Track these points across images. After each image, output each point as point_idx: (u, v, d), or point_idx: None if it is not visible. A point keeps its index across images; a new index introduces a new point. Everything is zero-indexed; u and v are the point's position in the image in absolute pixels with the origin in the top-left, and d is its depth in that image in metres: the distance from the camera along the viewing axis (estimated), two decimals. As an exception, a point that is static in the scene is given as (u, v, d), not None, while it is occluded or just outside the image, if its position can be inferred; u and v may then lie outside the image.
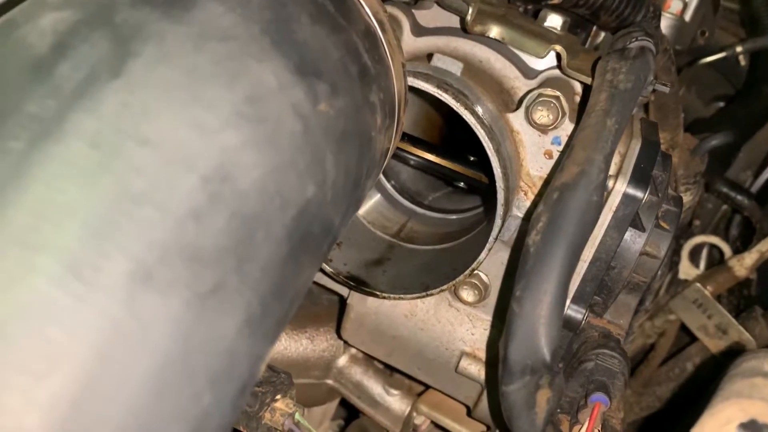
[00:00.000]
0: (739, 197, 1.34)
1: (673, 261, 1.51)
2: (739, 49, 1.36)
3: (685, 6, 1.16)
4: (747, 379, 0.50)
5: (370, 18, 0.56)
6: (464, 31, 0.75)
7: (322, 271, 0.78)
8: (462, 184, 0.85)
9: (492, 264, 0.76)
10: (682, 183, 1.06)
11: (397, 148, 0.82)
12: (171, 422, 0.32)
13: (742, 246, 1.47)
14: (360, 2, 0.56)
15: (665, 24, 1.14)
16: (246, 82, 0.39)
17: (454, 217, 0.91)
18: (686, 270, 1.48)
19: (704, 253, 1.51)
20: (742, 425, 0.46)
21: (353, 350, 1.00)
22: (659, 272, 0.99)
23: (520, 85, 0.79)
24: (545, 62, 0.77)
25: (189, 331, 0.32)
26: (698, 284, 1.36)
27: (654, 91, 0.77)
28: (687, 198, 1.09)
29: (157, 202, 0.33)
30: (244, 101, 0.38)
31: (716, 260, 1.51)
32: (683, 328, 1.47)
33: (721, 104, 1.61)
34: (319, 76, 0.45)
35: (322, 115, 0.44)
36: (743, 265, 1.33)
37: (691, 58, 1.39)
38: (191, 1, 0.40)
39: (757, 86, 1.46)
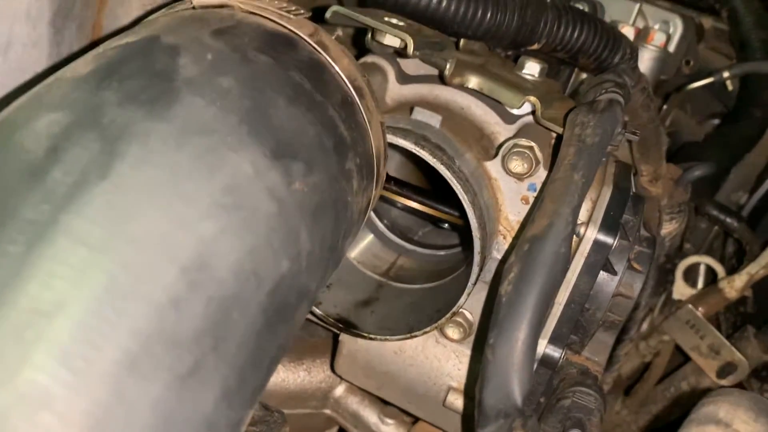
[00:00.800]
0: (728, 220, 1.36)
1: (668, 281, 1.54)
2: (726, 74, 1.39)
3: (669, 38, 1.19)
4: (701, 426, 0.53)
5: (348, 86, 0.60)
6: (443, 82, 0.79)
7: (313, 314, 0.81)
8: (446, 225, 0.89)
9: (476, 302, 0.79)
10: (667, 212, 1.09)
11: (383, 193, 0.86)
12: (154, 493, 0.35)
13: (737, 264, 1.49)
14: (338, 72, 0.60)
15: (649, 56, 1.17)
16: (224, 173, 0.42)
17: (442, 253, 0.95)
18: (681, 290, 1.50)
19: (702, 272, 1.54)
20: (693, 475, 0.49)
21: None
22: (644, 302, 1.02)
23: (501, 130, 0.82)
24: (523, 109, 0.81)
25: (170, 410, 0.36)
26: (690, 306, 1.39)
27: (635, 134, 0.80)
28: (673, 226, 1.12)
29: (140, 295, 0.37)
30: (222, 192, 0.42)
31: (712, 279, 1.53)
32: (678, 348, 1.50)
33: (716, 122, 1.64)
34: (295, 156, 0.49)
35: (297, 193, 0.48)
36: (733, 287, 1.36)
37: (680, 83, 1.43)
38: (173, 97, 0.44)
39: (747, 109, 1.48)
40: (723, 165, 1.41)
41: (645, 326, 1.51)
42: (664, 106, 1.41)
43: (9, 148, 0.41)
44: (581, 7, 1.06)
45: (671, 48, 1.21)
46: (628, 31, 1.09)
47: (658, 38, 1.16)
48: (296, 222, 0.47)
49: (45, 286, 0.35)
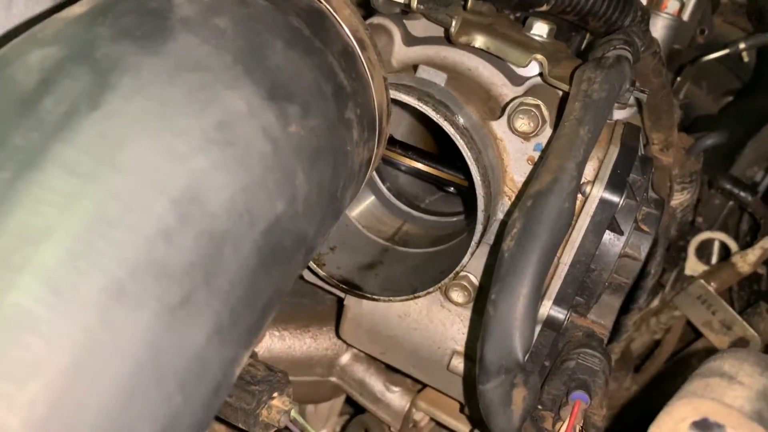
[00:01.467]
0: (742, 194, 1.34)
1: (680, 257, 1.52)
2: (742, 45, 1.36)
3: (683, 6, 1.17)
4: (704, 379, 0.52)
5: (349, 37, 0.59)
6: (449, 42, 0.78)
7: (316, 275, 0.81)
8: (452, 189, 0.88)
9: (480, 266, 0.79)
10: (678, 182, 1.07)
11: (389, 154, 0.85)
12: (142, 421, 0.35)
13: (752, 241, 1.47)
14: (339, 22, 0.59)
15: (662, 24, 1.15)
16: (216, 109, 0.42)
17: (448, 219, 0.94)
18: (693, 266, 1.48)
19: (715, 248, 1.52)
20: (695, 423, 0.48)
21: (355, 349, 1.03)
22: (653, 271, 1.01)
23: (508, 92, 0.81)
24: (531, 70, 0.79)
25: (158, 340, 0.36)
26: (702, 281, 1.37)
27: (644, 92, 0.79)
28: (684, 196, 1.10)
29: (129, 224, 0.36)
30: (214, 127, 0.41)
31: (725, 256, 1.51)
32: (689, 324, 1.48)
33: (731, 98, 1.61)
34: (291, 98, 0.48)
35: (293, 135, 0.47)
36: (746, 261, 1.34)
37: (695, 55, 1.40)
38: (167, 33, 0.43)
39: (764, 81, 1.46)
40: (738, 138, 1.39)
41: (656, 302, 1.50)
42: (678, 78, 1.38)
43: (2, 79, 0.40)
44: (593, -28, 1.04)
45: (685, 16, 1.19)
46: (641, -2, 1.06)
47: (672, 5, 1.14)
48: (292, 164, 0.46)
49: (33, 212, 0.35)
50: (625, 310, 1.04)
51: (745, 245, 1.47)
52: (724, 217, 1.51)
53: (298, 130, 0.48)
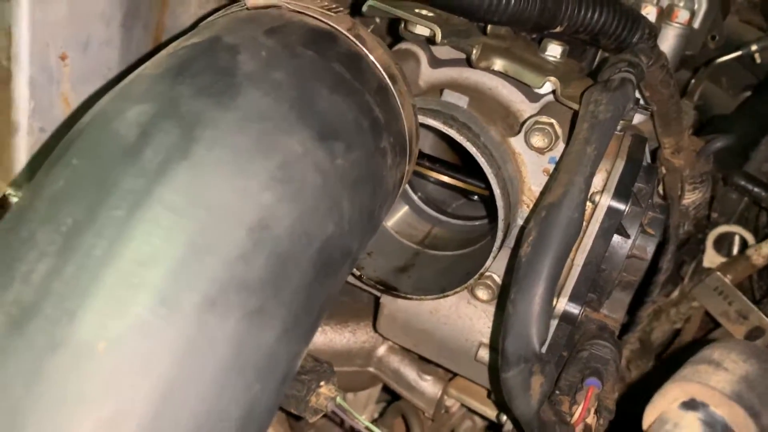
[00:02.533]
0: (756, 189, 1.40)
1: (699, 250, 1.59)
2: (754, 47, 1.42)
3: (693, 14, 1.23)
4: (695, 365, 0.61)
5: (382, 74, 0.69)
6: (470, 66, 0.86)
7: (357, 277, 0.91)
8: (476, 197, 0.97)
9: (502, 266, 0.87)
10: (689, 182, 1.14)
11: (418, 168, 0.94)
12: (231, 405, 0.45)
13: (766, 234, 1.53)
14: (373, 62, 0.68)
15: (674, 33, 1.22)
16: (278, 152, 0.52)
17: (474, 223, 1.03)
18: (711, 259, 1.55)
19: (736, 241, 1.58)
20: (684, 403, 0.57)
21: (390, 342, 1.13)
22: (665, 267, 1.09)
23: (525, 108, 0.90)
24: (546, 88, 0.88)
25: (241, 341, 0.46)
26: (719, 273, 1.44)
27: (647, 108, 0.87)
28: (696, 195, 1.18)
29: (216, 250, 0.46)
30: (277, 168, 0.51)
31: (743, 248, 1.57)
32: (708, 314, 1.55)
33: (749, 94, 1.66)
34: (336, 136, 0.57)
35: (339, 167, 0.56)
36: (761, 254, 1.41)
37: (708, 58, 1.46)
38: (236, 89, 0.53)
39: (776, 81, 1.51)
40: (751, 136, 1.45)
41: (676, 293, 1.57)
42: (692, 81, 1.45)
43: (107, 133, 0.50)
44: (605, -11, 1.11)
45: (696, 24, 1.25)
46: (651, 11, 1.13)
47: (682, 15, 1.20)
48: (339, 192, 0.56)
49: (144, 242, 0.45)
50: (640, 303, 1.11)
51: (764, 237, 1.53)
52: (741, 212, 1.57)
53: (343, 163, 0.57)
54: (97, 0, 0.80)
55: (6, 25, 0.77)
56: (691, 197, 1.18)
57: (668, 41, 1.21)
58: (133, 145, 0.49)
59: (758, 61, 1.46)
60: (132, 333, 0.43)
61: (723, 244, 1.58)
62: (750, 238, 1.51)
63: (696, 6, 1.27)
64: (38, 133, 0.82)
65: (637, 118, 1.08)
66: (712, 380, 0.57)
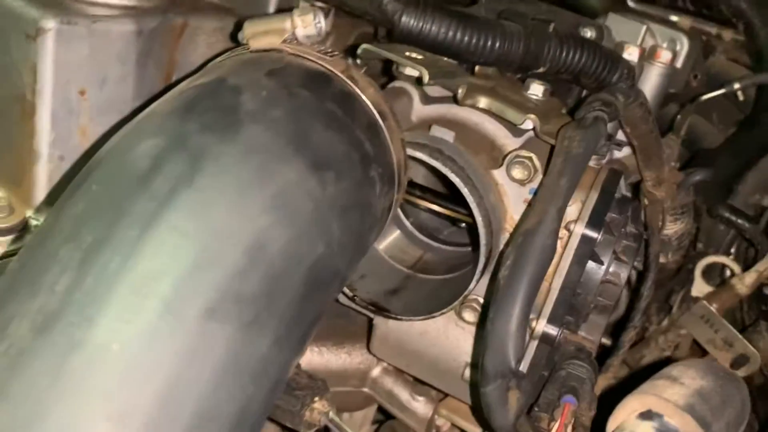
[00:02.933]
0: (739, 221, 1.46)
1: (689, 279, 1.64)
2: (736, 85, 1.49)
3: (675, 54, 1.31)
4: (654, 381, 0.66)
5: (373, 111, 0.75)
6: (457, 104, 0.93)
7: (350, 298, 0.97)
8: (463, 225, 1.03)
9: (487, 290, 0.93)
10: (671, 213, 1.20)
11: (408, 197, 1.01)
12: (227, 403, 0.51)
13: (753, 264, 1.58)
14: (364, 100, 0.75)
15: (657, 72, 1.29)
16: (275, 180, 0.58)
17: (463, 250, 1.09)
18: (699, 288, 1.60)
19: (726, 271, 1.63)
20: (641, 414, 0.62)
21: (384, 363, 1.18)
22: (646, 293, 1.14)
23: (509, 142, 0.96)
24: (528, 124, 0.94)
25: (237, 347, 0.52)
26: (704, 302, 1.48)
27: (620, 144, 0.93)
28: (677, 226, 1.24)
29: (216, 267, 0.52)
30: (273, 195, 0.57)
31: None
32: (696, 342, 1.59)
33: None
34: (328, 167, 0.64)
35: (329, 195, 0.63)
36: (744, 283, 1.45)
37: (694, 95, 1.53)
38: (239, 125, 0.60)
39: (760, 117, 1.58)
40: (736, 169, 1.51)
41: (665, 322, 1.62)
42: (678, 116, 1.51)
43: (123, 164, 0.57)
44: (588, 32, 1.19)
45: (678, 64, 1.32)
46: (634, 51, 1.20)
47: (665, 56, 1.28)
48: (328, 217, 0.62)
49: (153, 259, 0.51)
50: (622, 328, 1.17)
51: (747, 267, 1.58)
52: (728, 242, 1.63)
53: (333, 191, 0.63)
54: (115, 41, 0.88)
55: (32, 63, 0.84)
56: (674, 228, 1.24)
57: (651, 80, 1.28)
58: (146, 174, 0.55)
59: (741, 98, 1.53)
60: (142, 336, 0.49)
61: (712, 274, 1.64)
62: (736, 268, 1.56)
63: (678, 47, 1.35)
64: (58, 161, 0.89)
65: (622, 153, 1.14)
66: (667, 393, 0.63)
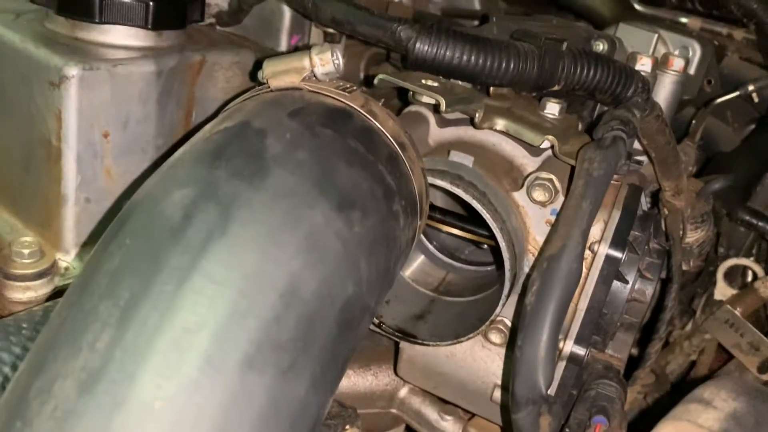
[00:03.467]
0: (760, 224, 1.45)
1: (711, 282, 1.63)
2: (750, 87, 1.49)
3: (688, 62, 1.30)
4: (686, 404, 0.66)
5: (393, 144, 0.76)
6: (474, 127, 0.94)
7: (376, 325, 0.97)
8: (485, 246, 1.04)
9: (513, 311, 0.93)
10: (691, 222, 1.20)
11: (429, 222, 1.02)
12: (269, 450, 0.52)
13: (781, 266, 1.57)
14: (384, 133, 0.76)
15: (670, 80, 1.29)
16: (304, 224, 0.59)
17: (486, 269, 1.09)
18: (722, 291, 1.59)
19: (749, 274, 1.62)
20: (675, 441, 0.63)
21: (411, 384, 1.18)
22: (670, 304, 1.14)
23: (528, 162, 0.97)
24: (546, 144, 0.95)
25: (276, 394, 0.53)
26: (728, 306, 1.48)
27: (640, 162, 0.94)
28: (699, 234, 1.23)
29: (253, 314, 0.53)
30: (303, 238, 0.58)
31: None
32: (722, 346, 1.58)
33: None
34: (353, 206, 0.65)
35: (356, 234, 0.64)
36: (767, 286, 1.45)
37: (708, 98, 1.53)
38: (266, 171, 0.61)
39: (776, 117, 1.57)
40: (753, 171, 1.50)
41: (689, 326, 1.61)
42: (693, 121, 1.51)
43: (155, 215, 0.58)
44: (600, 45, 1.19)
45: (691, 70, 1.32)
46: (646, 61, 1.20)
47: (677, 63, 1.27)
48: (357, 256, 0.63)
49: (191, 312, 0.52)
50: (648, 340, 1.16)
51: (771, 270, 1.57)
52: (749, 245, 1.62)
53: (360, 230, 0.64)
54: (136, 83, 0.90)
55: (56, 109, 0.86)
56: (694, 236, 1.23)
57: (665, 88, 1.28)
58: (178, 226, 0.56)
59: (756, 100, 1.52)
60: (183, 391, 0.50)
61: (734, 276, 1.63)
62: (759, 270, 1.55)
63: (691, 54, 1.35)
64: (84, 203, 0.91)
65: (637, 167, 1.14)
66: (701, 418, 0.63)
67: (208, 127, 0.70)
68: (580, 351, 0.87)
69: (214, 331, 0.52)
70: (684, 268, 1.33)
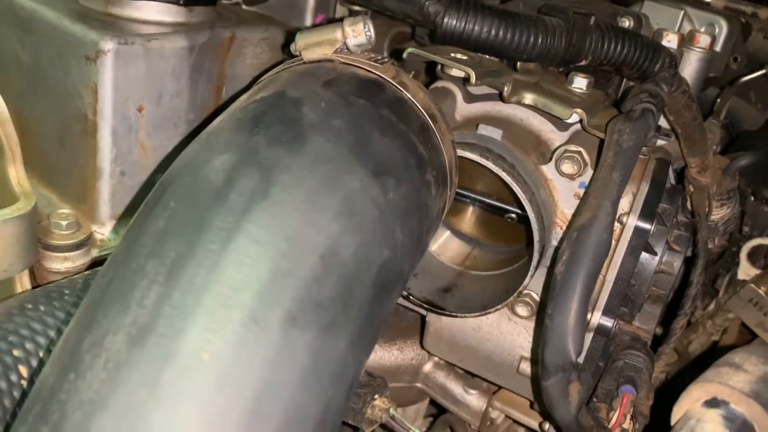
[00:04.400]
0: (784, 202, 1.45)
1: (734, 262, 1.63)
2: (775, 65, 1.48)
3: (714, 39, 1.30)
4: (717, 368, 0.67)
5: (424, 115, 0.77)
6: (502, 101, 0.95)
7: (404, 297, 0.99)
8: (513, 217, 1.04)
9: (540, 284, 0.94)
10: (716, 199, 1.20)
11: (459, 192, 1.02)
12: (311, 405, 0.53)
13: (806, 244, 1.57)
14: (416, 105, 0.77)
15: (696, 58, 1.28)
16: (341, 189, 0.60)
17: (512, 247, 1.10)
18: (746, 270, 1.59)
19: (772, 253, 1.62)
20: (706, 402, 0.64)
21: (436, 358, 1.20)
22: (696, 280, 1.14)
23: (555, 137, 0.97)
24: (574, 117, 0.95)
25: (318, 351, 0.54)
26: (752, 285, 1.48)
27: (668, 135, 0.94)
28: (724, 211, 1.23)
29: (295, 274, 0.55)
30: (341, 203, 0.60)
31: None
32: (745, 325, 1.58)
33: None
34: (388, 173, 0.66)
35: (391, 200, 0.65)
36: (792, 265, 1.45)
37: (734, 77, 1.52)
38: (304, 137, 0.62)
39: (804, 95, 1.56)
40: (779, 150, 1.50)
41: (712, 306, 1.61)
42: (718, 100, 1.51)
43: (198, 179, 0.60)
44: (626, 21, 1.19)
45: (717, 47, 1.32)
46: (672, 38, 1.20)
47: (704, 40, 1.27)
48: (392, 221, 0.64)
49: (236, 270, 0.54)
50: (673, 315, 1.17)
51: (798, 249, 1.57)
52: (776, 222, 1.61)
53: (395, 196, 0.65)
54: (169, 58, 0.91)
55: (92, 83, 0.88)
56: (720, 213, 1.23)
57: (691, 65, 1.28)
58: (221, 189, 0.58)
59: (780, 78, 1.51)
60: (230, 346, 0.51)
61: (757, 256, 1.62)
62: (783, 249, 1.55)
63: (717, 31, 1.34)
64: (119, 176, 0.92)
65: (665, 141, 1.14)
66: (732, 380, 0.64)
67: (243, 97, 0.72)
68: (608, 322, 0.88)
69: (258, 289, 0.53)
70: (708, 246, 1.33)
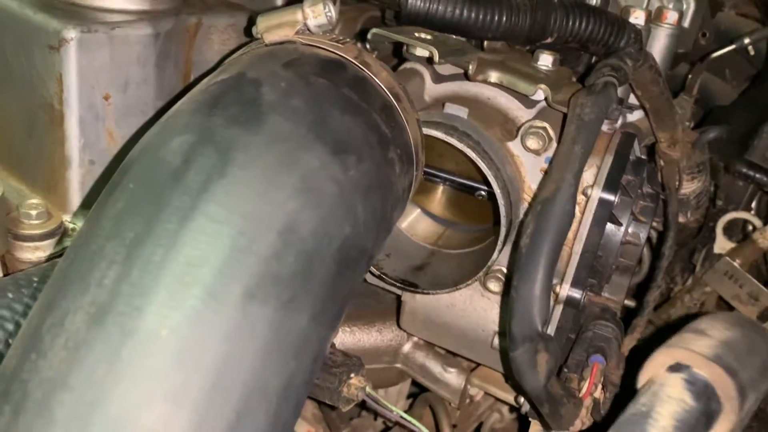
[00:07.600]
0: (758, 176, 1.46)
1: (711, 237, 1.65)
2: (746, 40, 1.49)
3: (682, 15, 1.31)
4: (681, 334, 0.68)
5: (387, 94, 0.78)
6: (468, 80, 0.95)
7: (378, 277, 0.99)
8: (483, 194, 1.05)
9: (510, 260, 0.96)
10: (687, 173, 1.22)
11: (427, 171, 1.03)
12: (273, 378, 0.54)
13: (778, 218, 1.59)
14: (378, 84, 0.77)
15: (664, 34, 1.29)
16: (299, 167, 0.61)
17: (484, 226, 1.11)
18: (722, 245, 1.61)
19: (748, 227, 1.64)
20: (670, 367, 0.65)
21: (415, 338, 1.21)
22: (667, 252, 1.16)
23: (522, 114, 0.98)
24: (539, 94, 0.96)
25: (278, 325, 0.55)
26: (727, 258, 1.50)
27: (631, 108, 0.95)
28: (695, 185, 1.25)
29: (253, 251, 0.55)
30: (299, 180, 0.60)
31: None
32: (722, 299, 1.60)
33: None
34: (348, 151, 0.67)
35: (352, 178, 0.66)
36: (766, 237, 1.46)
37: (703, 53, 1.53)
38: (261, 117, 0.63)
39: (773, 71, 1.58)
40: (752, 124, 1.51)
41: (690, 281, 1.63)
42: (689, 76, 1.52)
43: (156, 161, 0.60)
44: (593, -1, 1.20)
45: (686, 24, 1.33)
46: (640, 15, 1.21)
47: (671, 17, 1.27)
48: (353, 198, 0.65)
49: (193, 248, 0.54)
50: (646, 288, 1.19)
51: (771, 221, 1.59)
52: (747, 198, 1.63)
53: (355, 173, 0.66)
54: (134, 46, 0.91)
55: (57, 72, 0.88)
56: (691, 187, 1.25)
57: (659, 42, 1.29)
58: (179, 169, 0.58)
59: (752, 53, 1.53)
60: (188, 321, 0.52)
61: (733, 230, 1.64)
62: (758, 222, 1.57)
63: (684, 7, 1.35)
64: (89, 165, 0.93)
65: (635, 116, 1.16)
66: (695, 345, 0.65)
67: (205, 80, 0.72)
68: (577, 294, 0.89)
69: (216, 266, 0.54)
70: (681, 220, 1.35)
